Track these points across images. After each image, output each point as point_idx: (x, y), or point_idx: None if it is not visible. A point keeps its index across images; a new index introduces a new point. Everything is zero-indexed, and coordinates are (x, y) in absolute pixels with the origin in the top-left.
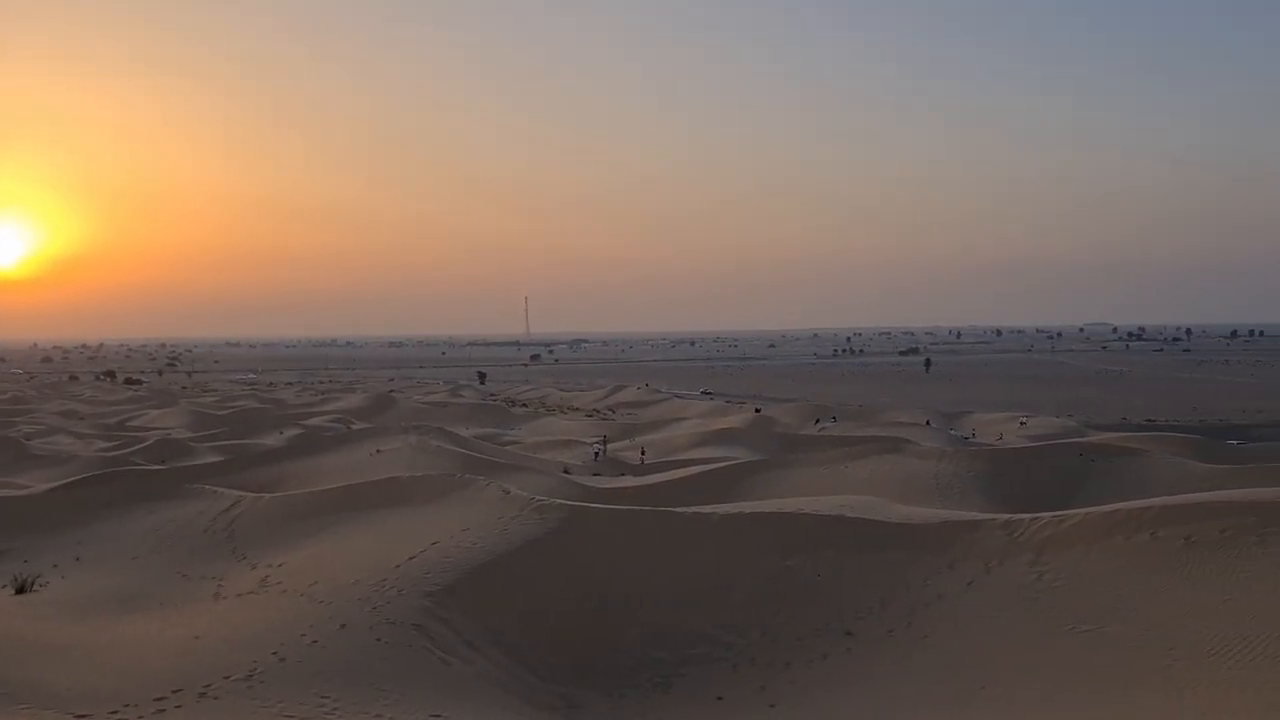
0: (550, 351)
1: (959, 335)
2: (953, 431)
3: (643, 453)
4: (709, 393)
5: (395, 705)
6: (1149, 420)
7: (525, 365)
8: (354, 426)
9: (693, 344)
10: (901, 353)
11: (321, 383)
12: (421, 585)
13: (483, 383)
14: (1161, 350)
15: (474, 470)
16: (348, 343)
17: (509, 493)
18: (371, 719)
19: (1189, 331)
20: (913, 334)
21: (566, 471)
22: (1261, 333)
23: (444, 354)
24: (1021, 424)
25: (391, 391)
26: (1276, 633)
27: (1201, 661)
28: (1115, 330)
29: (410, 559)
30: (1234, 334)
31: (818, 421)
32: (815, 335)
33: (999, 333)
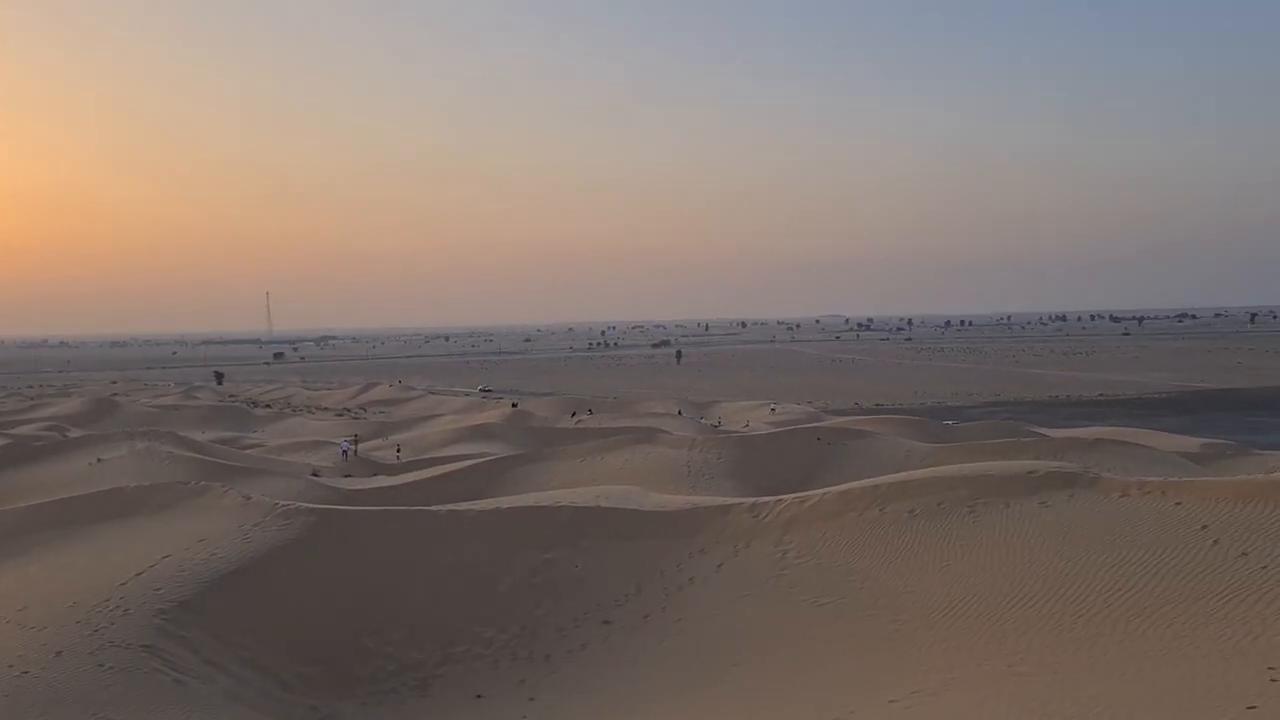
0: (295, 349)
1: (707, 328)
2: (702, 420)
3: (398, 451)
4: (488, 390)
5: None
6: (878, 404)
7: (268, 364)
8: (70, 434)
9: (447, 339)
10: (654, 345)
11: (30, 387)
12: (152, 603)
13: (220, 383)
14: (887, 339)
15: (210, 477)
16: (61, 343)
17: (250, 499)
18: None
19: (910, 322)
20: (664, 327)
21: (315, 474)
22: (971, 323)
23: (175, 354)
24: (773, 410)
25: (114, 395)
26: (986, 593)
27: (924, 624)
28: (847, 321)
29: (138, 575)
30: (948, 324)
31: (574, 414)
32: (570, 330)
33: (744, 325)
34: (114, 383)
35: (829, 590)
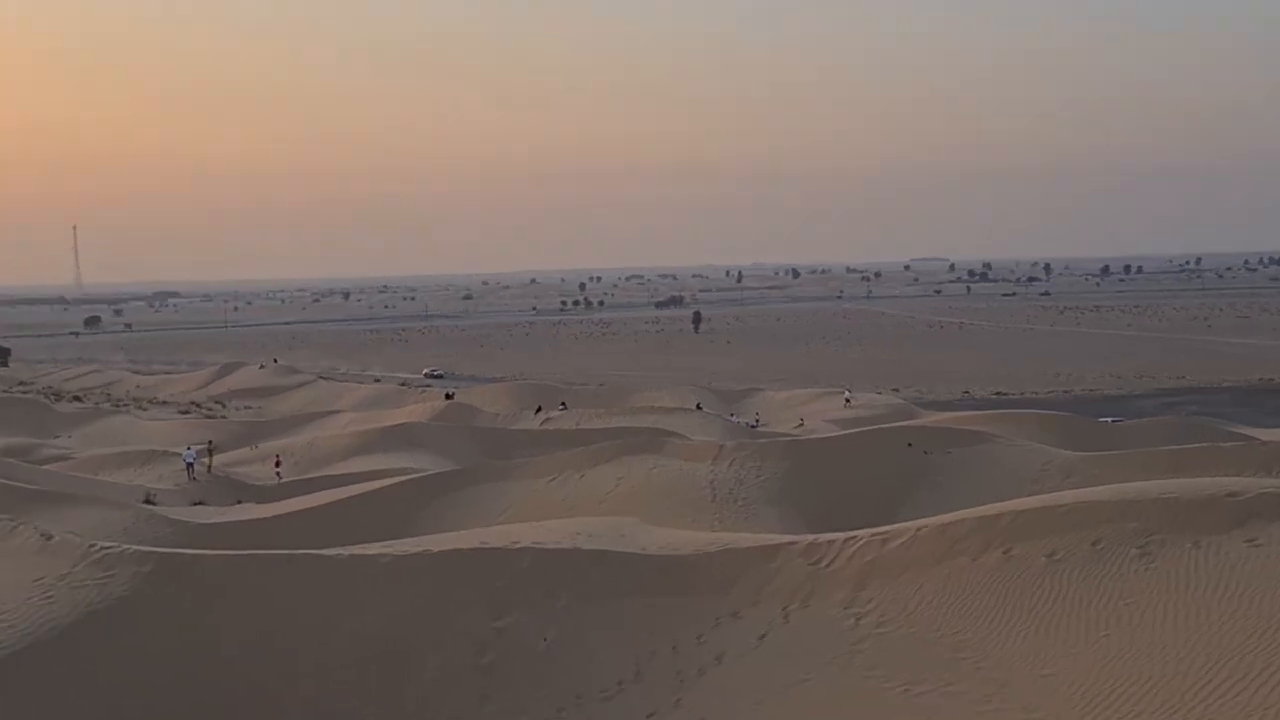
0: (118, 312)
1: (740, 278)
2: (734, 418)
3: (278, 466)
4: (437, 373)
5: None
6: (998, 393)
7: (77, 334)
8: None
9: (346, 296)
10: (659, 304)
11: None
12: None
13: (5, 364)
14: (1013, 295)
15: None
16: None
17: (52, 538)
18: None
19: (1048, 269)
20: (675, 277)
21: (150, 500)
22: (1141, 269)
23: None
24: (847, 401)
25: None
26: (1166, 679)
27: None
28: (952, 267)
29: None
30: (1105, 271)
31: (539, 410)
32: (533, 281)
33: (796, 273)
34: None
35: (927, 675)
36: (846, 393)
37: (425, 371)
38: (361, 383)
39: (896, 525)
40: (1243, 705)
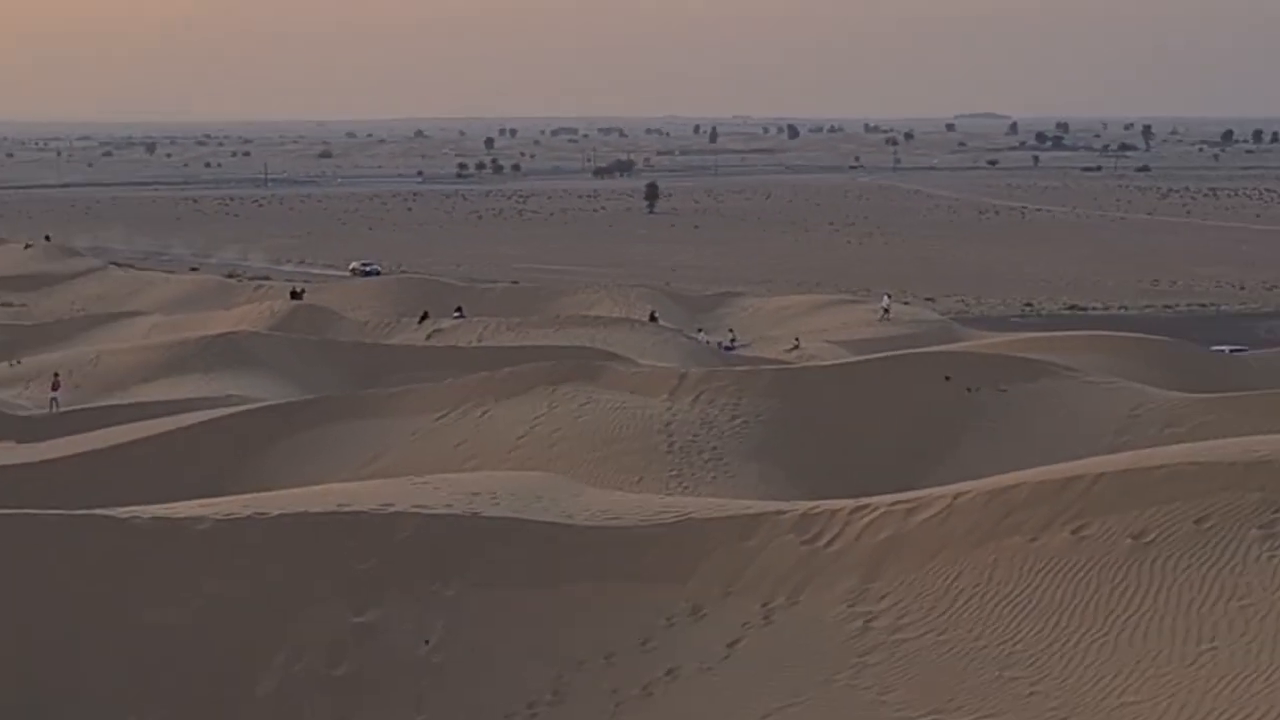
0: None
1: (713, 135)
2: (701, 334)
3: (56, 388)
4: (371, 268)
5: None
6: (1073, 307)
7: None
8: None
9: (152, 149)
10: (599, 171)
11: None
12: None
13: None
14: (1099, 169)
15: None
16: None
17: None
18: None
19: (1148, 131)
20: (621, 132)
21: None
22: (1276, 135)
23: None
24: (885, 312)
25: None
26: None
27: None
28: (1014, 128)
29: None
30: (1228, 137)
31: (425, 317)
32: (419, 133)
33: (794, 131)
34: None
35: (963, 699)
36: (886, 299)
37: (353, 266)
38: (171, 272)
39: (926, 491)
40: None
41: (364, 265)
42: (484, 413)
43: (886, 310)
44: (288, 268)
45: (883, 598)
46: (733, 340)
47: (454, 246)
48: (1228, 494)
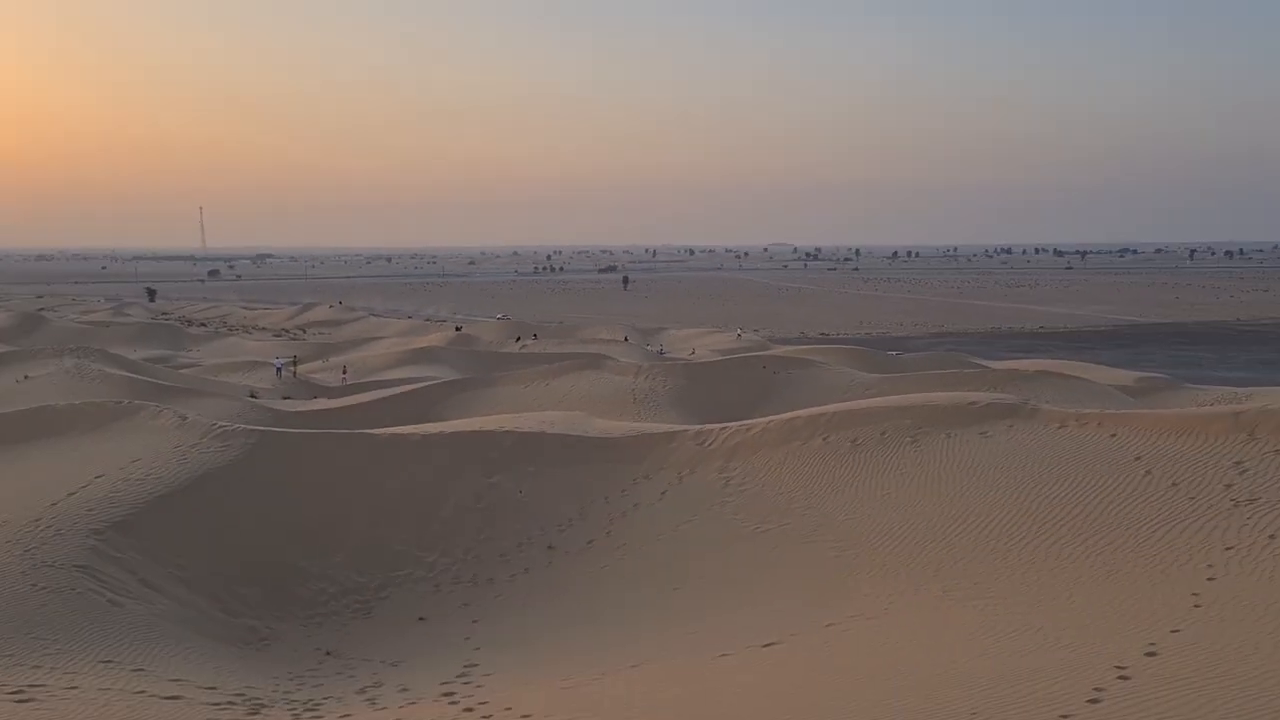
0: (231, 266)
1: (655, 254)
2: (649, 347)
3: (344, 372)
4: (503, 316)
5: (58, 655)
6: (823, 334)
7: (202, 281)
8: None
9: (389, 260)
10: (600, 270)
11: None
12: (85, 523)
13: (152, 300)
14: (835, 269)
15: (144, 396)
16: None
17: (187, 419)
18: (29, 671)
19: (858, 252)
20: (610, 252)
21: (253, 395)
22: (918, 254)
23: (105, 269)
24: (739, 335)
25: (41, 310)
26: (925, 522)
27: (864, 551)
28: (795, 251)
29: (70, 495)
30: (895, 255)
31: (518, 339)
32: (515, 253)
33: (691, 252)
34: (40, 297)
35: (771, 517)
36: (739, 330)
37: (498, 316)
38: (399, 319)
39: (755, 420)
40: (971, 540)
41: (499, 316)
42: (546, 384)
43: (739, 335)
44: (457, 316)
45: (735, 470)
46: (663, 350)
47: (532, 306)
48: (895, 420)
